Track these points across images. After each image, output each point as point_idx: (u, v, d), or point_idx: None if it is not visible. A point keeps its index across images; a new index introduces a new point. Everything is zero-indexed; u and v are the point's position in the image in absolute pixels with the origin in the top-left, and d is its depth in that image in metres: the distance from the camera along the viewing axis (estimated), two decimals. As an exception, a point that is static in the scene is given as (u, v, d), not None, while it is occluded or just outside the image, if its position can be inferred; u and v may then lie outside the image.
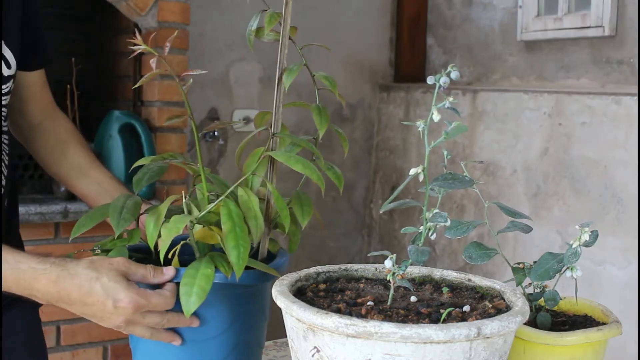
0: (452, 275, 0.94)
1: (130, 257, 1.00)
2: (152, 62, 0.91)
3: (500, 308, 0.83)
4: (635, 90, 2.39)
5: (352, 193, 3.40)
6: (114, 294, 0.92)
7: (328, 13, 3.21)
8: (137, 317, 0.93)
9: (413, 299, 0.87)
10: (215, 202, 0.95)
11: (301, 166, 0.96)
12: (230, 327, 0.98)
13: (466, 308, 0.84)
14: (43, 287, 0.94)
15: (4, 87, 1.14)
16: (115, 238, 1.02)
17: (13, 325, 1.20)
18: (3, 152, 1.19)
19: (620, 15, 2.53)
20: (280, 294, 0.82)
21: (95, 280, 0.92)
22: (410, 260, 0.86)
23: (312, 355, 0.78)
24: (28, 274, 0.94)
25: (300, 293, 0.88)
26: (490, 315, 0.81)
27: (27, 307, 1.24)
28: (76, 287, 0.93)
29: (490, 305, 0.84)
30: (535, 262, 0.95)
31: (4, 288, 0.97)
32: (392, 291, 0.86)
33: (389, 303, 0.85)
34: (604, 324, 0.95)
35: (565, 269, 0.92)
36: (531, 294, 0.96)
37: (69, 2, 2.63)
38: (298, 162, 0.96)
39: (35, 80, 1.28)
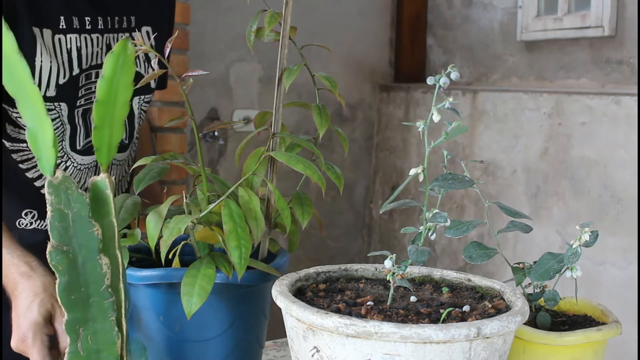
0: (451, 275, 0.94)
1: (130, 258, 1.00)
2: (153, 63, 0.91)
3: (500, 308, 0.84)
4: (635, 90, 2.39)
5: (352, 193, 3.40)
6: (25, 315, 0.99)
7: (328, 13, 3.21)
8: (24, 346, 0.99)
9: (413, 299, 0.87)
10: (216, 202, 0.95)
11: (302, 166, 0.96)
12: (230, 327, 0.98)
13: (466, 308, 0.84)
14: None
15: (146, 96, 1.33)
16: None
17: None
18: None
19: (620, 15, 2.53)
20: (280, 294, 0.82)
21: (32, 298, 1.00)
22: (410, 260, 0.86)
23: (312, 355, 0.78)
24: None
25: (300, 293, 0.88)
26: (490, 315, 0.81)
27: None
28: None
29: (490, 305, 0.84)
30: (535, 262, 0.95)
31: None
32: (391, 291, 0.86)
33: (388, 303, 0.85)
34: (603, 324, 0.95)
35: (565, 269, 0.92)
36: (531, 294, 0.96)
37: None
38: (299, 162, 0.96)
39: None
